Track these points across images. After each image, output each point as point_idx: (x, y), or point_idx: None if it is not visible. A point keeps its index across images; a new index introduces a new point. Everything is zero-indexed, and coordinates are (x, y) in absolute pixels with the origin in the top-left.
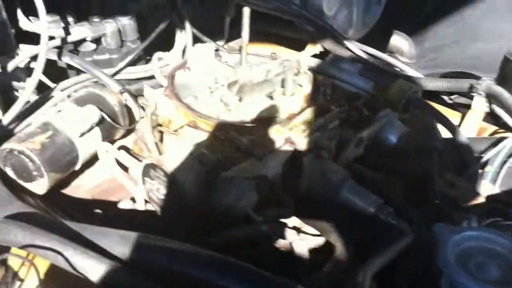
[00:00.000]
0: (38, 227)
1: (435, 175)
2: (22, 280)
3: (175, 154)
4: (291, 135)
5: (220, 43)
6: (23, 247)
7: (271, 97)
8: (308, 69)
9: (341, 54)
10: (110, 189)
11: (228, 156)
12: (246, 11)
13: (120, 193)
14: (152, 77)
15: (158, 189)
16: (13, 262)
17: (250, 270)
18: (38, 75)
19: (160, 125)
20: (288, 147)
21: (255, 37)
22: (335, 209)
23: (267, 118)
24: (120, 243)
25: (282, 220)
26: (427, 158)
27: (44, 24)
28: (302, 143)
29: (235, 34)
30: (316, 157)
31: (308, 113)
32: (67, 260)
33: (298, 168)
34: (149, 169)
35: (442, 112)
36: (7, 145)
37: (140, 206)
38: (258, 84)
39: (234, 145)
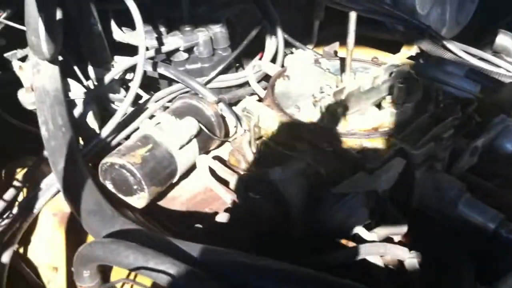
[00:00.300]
0: (145, 245)
1: None
2: None
3: (278, 169)
4: (403, 146)
5: (309, 47)
6: (135, 269)
7: (379, 106)
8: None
9: (440, 55)
10: (204, 201)
11: (334, 169)
12: (353, 15)
13: (214, 205)
14: (243, 85)
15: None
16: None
17: None
18: (136, 86)
19: (262, 137)
20: (400, 160)
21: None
22: (451, 225)
23: (377, 129)
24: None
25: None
26: None
27: (142, 35)
28: (414, 155)
29: (321, 37)
30: (430, 169)
31: (420, 122)
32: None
33: (410, 181)
34: (251, 183)
35: None
36: (108, 159)
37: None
38: (365, 92)
39: (343, 158)
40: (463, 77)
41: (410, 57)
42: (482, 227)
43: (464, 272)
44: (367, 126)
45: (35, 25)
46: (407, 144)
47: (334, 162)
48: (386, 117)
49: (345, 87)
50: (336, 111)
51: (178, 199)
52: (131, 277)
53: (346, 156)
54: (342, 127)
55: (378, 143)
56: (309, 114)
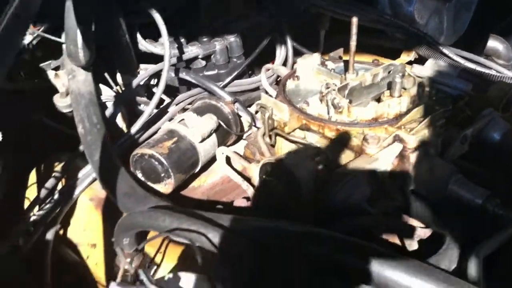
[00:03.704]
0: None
1: None
2: (158, 265)
3: (290, 154)
4: (399, 133)
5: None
6: (170, 231)
7: (379, 99)
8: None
9: (437, 59)
10: (223, 191)
11: (339, 154)
12: (355, 20)
13: (232, 194)
14: (256, 89)
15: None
16: (149, 249)
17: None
18: (161, 89)
19: (274, 128)
20: (397, 145)
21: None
22: (443, 203)
23: (377, 119)
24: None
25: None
26: None
27: (167, 45)
28: (410, 141)
29: (327, 46)
30: (424, 154)
31: (415, 113)
32: (210, 241)
33: (406, 164)
34: (266, 168)
35: None
36: (139, 151)
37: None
38: (366, 87)
39: (347, 144)
40: (456, 77)
41: (409, 62)
42: (470, 203)
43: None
44: (368, 117)
45: (73, 36)
46: (403, 131)
47: (340, 148)
48: (385, 108)
49: (348, 83)
50: (340, 104)
51: (198, 189)
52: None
53: (350, 142)
54: (346, 118)
55: (378, 131)
56: (317, 108)
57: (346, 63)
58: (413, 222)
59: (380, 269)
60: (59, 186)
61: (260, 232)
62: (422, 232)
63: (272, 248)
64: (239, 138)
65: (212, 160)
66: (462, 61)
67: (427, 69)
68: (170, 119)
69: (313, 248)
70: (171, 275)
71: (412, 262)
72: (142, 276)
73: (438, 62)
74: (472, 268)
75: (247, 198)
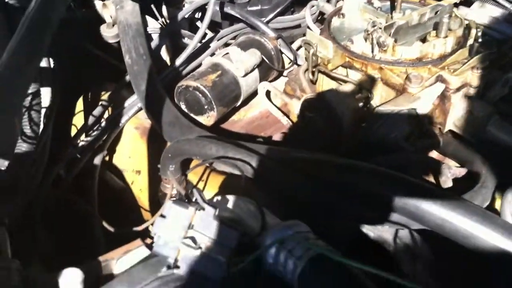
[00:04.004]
0: None
1: None
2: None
3: (332, 91)
4: (442, 74)
5: None
6: (216, 158)
7: (424, 40)
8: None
9: (484, 2)
10: (261, 126)
11: (381, 92)
12: None
13: (270, 130)
14: (297, 27)
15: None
16: (192, 177)
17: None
18: (207, 22)
19: (318, 65)
20: (439, 85)
21: None
22: (480, 144)
23: (421, 59)
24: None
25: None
26: None
27: None
28: (452, 81)
29: None
30: (465, 95)
31: (459, 54)
32: (255, 169)
33: (447, 105)
34: (307, 103)
35: None
36: (184, 82)
37: None
38: (412, 27)
39: (389, 83)
40: (503, 21)
41: (454, 4)
42: (507, 145)
43: None
44: (412, 56)
45: None
46: (446, 72)
47: (381, 86)
48: (430, 49)
49: (395, 22)
50: (385, 43)
51: (238, 123)
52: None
53: (392, 81)
54: (390, 57)
55: (421, 71)
56: (361, 46)
57: (393, 2)
58: (449, 161)
59: (417, 202)
60: (106, 115)
61: (304, 162)
62: (458, 171)
63: (314, 179)
64: (280, 74)
65: (253, 95)
66: (509, 5)
67: (474, 12)
68: (212, 54)
69: (353, 179)
70: (219, 197)
71: (448, 196)
72: (196, 195)
73: (485, 5)
74: (506, 207)
75: (285, 134)
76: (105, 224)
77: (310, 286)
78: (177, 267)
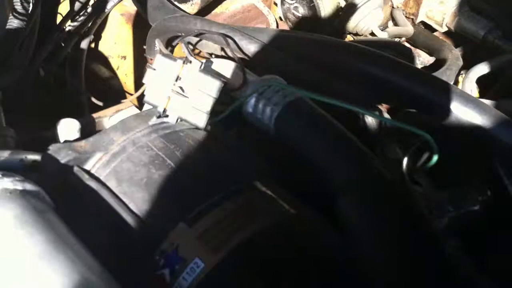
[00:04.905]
0: None
1: None
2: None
3: None
4: None
5: None
6: (200, 34)
7: None
8: None
9: None
10: (242, 19)
11: None
12: None
13: (252, 23)
14: None
15: (296, 8)
16: None
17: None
18: None
19: None
20: None
21: None
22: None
23: None
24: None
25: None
26: None
27: None
28: None
29: None
30: None
31: None
32: (236, 43)
33: None
34: None
35: None
36: None
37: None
38: None
39: None
40: None
41: None
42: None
43: None
44: None
45: None
46: None
47: None
48: None
49: None
50: None
51: (220, 16)
52: None
53: None
54: None
55: None
56: None
57: None
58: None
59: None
60: (91, 1)
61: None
62: (426, 59)
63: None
64: None
65: None
66: None
67: None
68: None
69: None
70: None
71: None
72: (184, 49)
73: None
74: (466, 86)
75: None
76: (93, 99)
77: (285, 128)
78: (166, 116)
